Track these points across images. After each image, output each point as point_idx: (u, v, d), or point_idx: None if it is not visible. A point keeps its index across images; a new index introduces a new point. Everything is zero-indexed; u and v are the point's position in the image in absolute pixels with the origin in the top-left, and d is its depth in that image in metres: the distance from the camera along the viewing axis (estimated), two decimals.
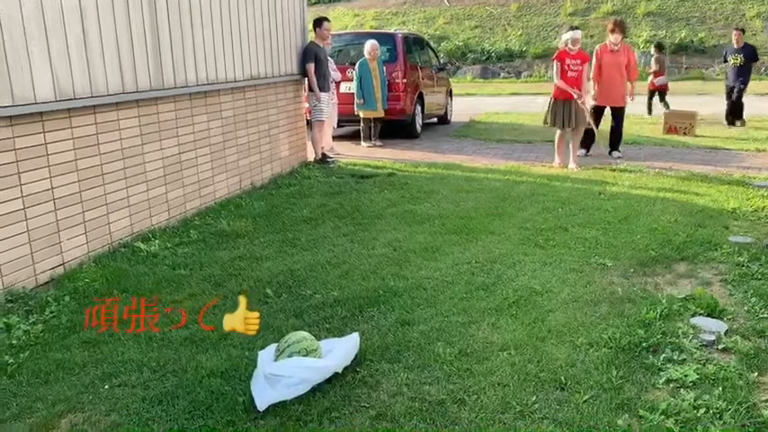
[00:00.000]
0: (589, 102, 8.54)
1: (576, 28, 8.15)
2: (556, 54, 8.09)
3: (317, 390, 2.93)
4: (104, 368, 3.22)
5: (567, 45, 7.95)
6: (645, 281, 4.31)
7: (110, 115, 5.06)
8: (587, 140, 8.89)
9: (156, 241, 5.22)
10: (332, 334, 3.53)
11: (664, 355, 3.25)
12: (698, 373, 3.07)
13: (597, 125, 8.65)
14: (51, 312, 3.91)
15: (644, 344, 3.35)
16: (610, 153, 8.91)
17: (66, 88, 4.58)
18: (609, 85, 8.64)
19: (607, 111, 8.89)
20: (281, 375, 2.89)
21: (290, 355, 3.01)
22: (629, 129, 10.08)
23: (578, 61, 7.88)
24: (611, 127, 8.94)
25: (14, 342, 3.51)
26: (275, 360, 3.04)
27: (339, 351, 3.12)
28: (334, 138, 10.51)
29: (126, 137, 5.26)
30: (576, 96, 7.88)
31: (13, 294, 4.15)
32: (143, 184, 5.48)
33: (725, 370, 3.10)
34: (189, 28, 5.98)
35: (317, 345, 3.11)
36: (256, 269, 4.59)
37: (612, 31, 8.59)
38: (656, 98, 13.82)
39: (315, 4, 34.19)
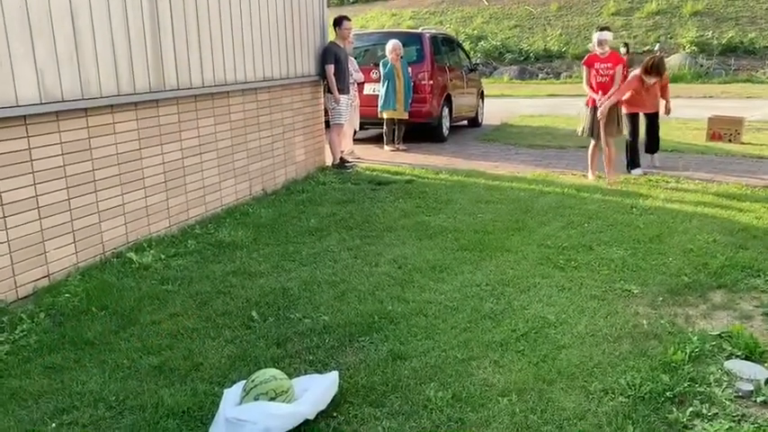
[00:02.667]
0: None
1: (605, 28, 7.50)
2: (585, 58, 7.56)
3: None
4: (59, 401, 2.92)
5: (594, 48, 7.42)
6: (674, 312, 3.83)
7: (104, 118, 4.79)
8: (654, 147, 8.36)
9: (152, 251, 4.94)
10: (313, 368, 3.17)
11: (691, 408, 2.79)
12: None
13: (636, 134, 8.06)
14: (22, 331, 3.65)
15: (668, 393, 2.90)
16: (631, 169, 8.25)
17: (54, 90, 4.32)
18: (637, 98, 7.95)
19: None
20: (244, 421, 2.54)
21: (255, 398, 2.66)
22: (669, 135, 9.51)
23: (609, 65, 7.25)
24: (648, 132, 8.35)
25: None
26: (240, 402, 2.69)
27: (314, 393, 2.75)
28: (357, 141, 10.18)
29: (122, 141, 4.98)
30: (596, 100, 7.29)
31: None
32: (140, 191, 5.21)
33: (764, 429, 2.64)
34: (194, 25, 5.70)
35: (288, 385, 2.75)
36: (248, 287, 4.26)
37: (648, 73, 7.53)
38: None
39: (353, 3, 34.04)
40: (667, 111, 8.23)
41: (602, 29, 7.51)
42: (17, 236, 4.14)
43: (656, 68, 7.55)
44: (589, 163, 7.67)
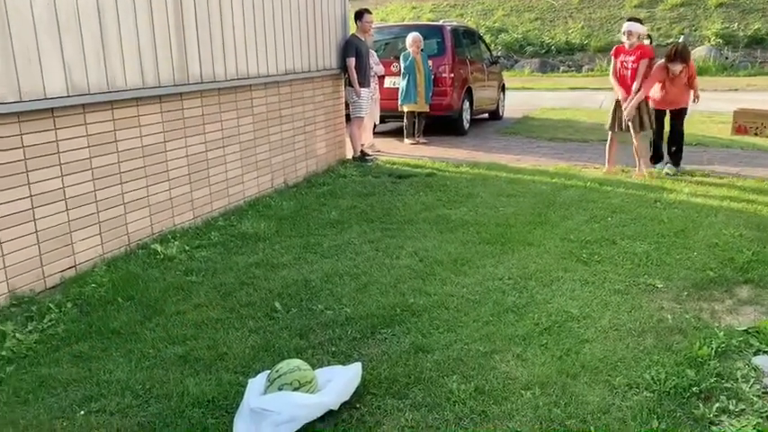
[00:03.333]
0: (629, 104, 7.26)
1: (634, 19, 7.30)
2: (613, 49, 7.47)
3: (307, 428, 2.60)
4: (87, 389, 2.97)
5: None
6: (700, 307, 3.79)
7: (129, 111, 4.84)
8: (675, 155, 7.90)
9: (176, 243, 5.00)
10: (336, 359, 3.19)
11: (717, 404, 2.76)
12: (758, 430, 2.58)
13: (660, 131, 7.81)
14: (50, 320, 3.71)
15: (694, 388, 2.87)
16: (664, 164, 7.86)
17: (80, 83, 4.37)
18: (666, 92, 7.57)
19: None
20: (269, 411, 2.57)
21: (279, 388, 2.68)
22: (693, 128, 9.35)
23: (632, 58, 7.07)
24: (669, 132, 7.82)
25: (3, 354, 3.31)
26: (264, 392, 2.72)
27: (337, 384, 2.77)
28: (377, 134, 10.19)
29: (147, 134, 5.04)
30: (620, 97, 7.18)
31: (17, 298, 3.98)
32: (165, 183, 5.26)
33: None
34: (218, 19, 5.73)
35: (311, 375, 2.77)
36: (270, 278, 4.29)
37: (672, 60, 7.23)
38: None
39: None
40: (696, 97, 7.77)
41: (632, 19, 7.30)
42: (45, 227, 4.21)
43: (680, 55, 7.30)
44: (606, 156, 7.57)
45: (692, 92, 7.73)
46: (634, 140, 7.29)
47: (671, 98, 7.67)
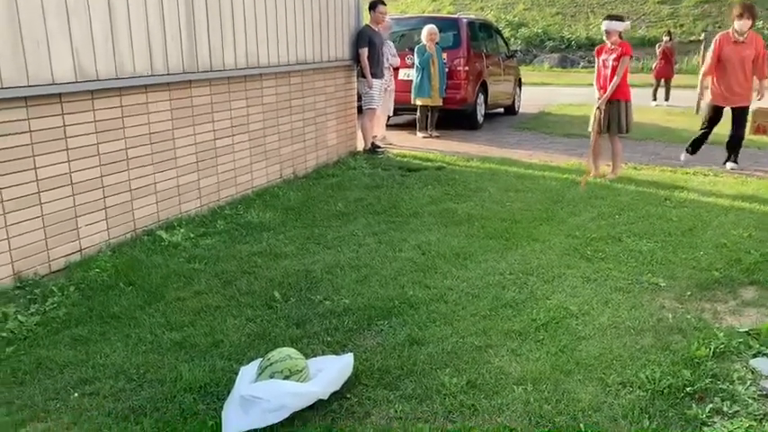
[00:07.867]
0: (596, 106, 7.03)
1: (613, 17, 6.97)
2: (595, 49, 7.24)
3: (295, 418, 2.60)
4: (82, 372, 3.00)
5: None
6: (702, 307, 3.74)
7: (137, 98, 4.87)
8: (697, 144, 7.82)
9: (181, 230, 5.03)
10: (330, 349, 3.19)
11: (711, 405, 2.73)
12: None
13: (711, 127, 7.63)
14: (53, 303, 3.76)
15: (688, 388, 2.84)
16: (724, 163, 7.70)
17: (89, 69, 4.40)
18: (729, 83, 7.27)
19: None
20: (259, 398, 2.58)
21: (270, 376, 2.69)
22: None
23: (613, 56, 6.75)
24: (731, 132, 7.59)
25: (4, 335, 3.36)
26: (255, 379, 2.73)
27: (328, 374, 2.77)
28: (390, 126, 10.16)
29: (155, 121, 5.07)
30: (597, 99, 6.93)
31: (22, 281, 4.03)
32: (172, 171, 5.29)
33: None
34: (228, 7, 5.73)
35: (303, 364, 2.78)
36: (272, 267, 4.31)
37: (740, 15, 7.09)
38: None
39: None
40: (760, 93, 7.35)
41: (611, 17, 7.00)
42: (51, 211, 4.25)
43: (747, 9, 7.07)
44: (590, 159, 7.28)
45: (756, 84, 7.31)
46: (610, 141, 7.09)
47: (736, 91, 7.29)
